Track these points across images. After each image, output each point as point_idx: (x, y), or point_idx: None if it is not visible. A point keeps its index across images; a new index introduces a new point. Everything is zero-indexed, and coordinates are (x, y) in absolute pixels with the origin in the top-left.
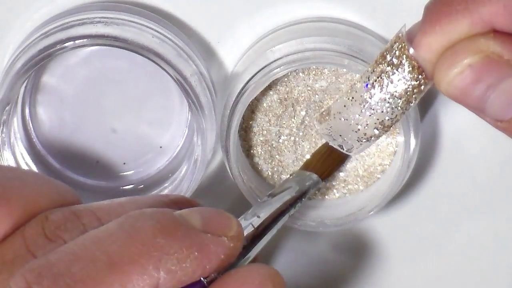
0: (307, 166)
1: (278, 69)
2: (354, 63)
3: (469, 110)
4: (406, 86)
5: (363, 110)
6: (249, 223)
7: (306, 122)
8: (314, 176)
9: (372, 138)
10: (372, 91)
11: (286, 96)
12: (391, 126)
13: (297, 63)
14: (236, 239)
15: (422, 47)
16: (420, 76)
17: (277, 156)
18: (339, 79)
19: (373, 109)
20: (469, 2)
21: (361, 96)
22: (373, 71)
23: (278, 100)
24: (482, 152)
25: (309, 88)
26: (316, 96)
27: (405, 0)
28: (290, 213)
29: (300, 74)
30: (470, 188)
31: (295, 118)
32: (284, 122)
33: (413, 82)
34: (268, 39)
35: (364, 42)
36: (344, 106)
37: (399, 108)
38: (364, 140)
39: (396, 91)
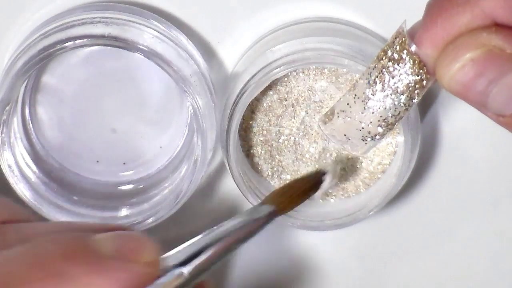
0: (265, 200)
1: (278, 69)
2: (354, 63)
3: (471, 105)
4: (408, 81)
5: (366, 108)
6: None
7: (306, 122)
8: (267, 208)
9: (377, 136)
10: (374, 87)
11: (286, 96)
12: (395, 124)
13: (297, 63)
14: (151, 265)
15: (424, 42)
16: (421, 71)
17: (277, 156)
18: (339, 79)
19: (376, 106)
20: None
21: (363, 93)
22: (375, 67)
23: (278, 100)
24: (482, 152)
25: (309, 88)
26: (316, 96)
27: (405, 0)
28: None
29: (300, 74)
30: (470, 188)
31: (295, 118)
32: (284, 122)
33: (415, 77)
34: (268, 39)
35: (364, 42)
36: (347, 104)
37: (401, 104)
38: (369, 139)
39: (398, 87)
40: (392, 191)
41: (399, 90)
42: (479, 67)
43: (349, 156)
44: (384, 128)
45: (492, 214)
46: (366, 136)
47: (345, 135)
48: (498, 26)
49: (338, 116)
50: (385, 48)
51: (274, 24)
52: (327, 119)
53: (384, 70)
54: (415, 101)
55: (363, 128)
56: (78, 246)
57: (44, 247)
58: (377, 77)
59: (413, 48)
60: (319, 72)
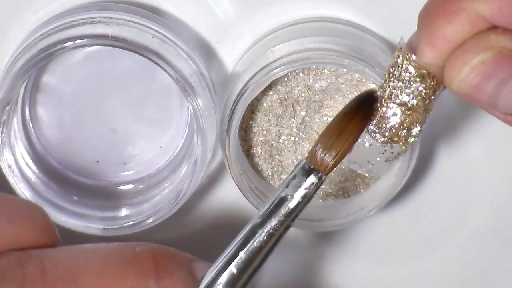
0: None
1: (278, 69)
2: (354, 63)
3: (479, 106)
4: (421, 96)
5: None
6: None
7: (306, 122)
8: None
9: (399, 154)
10: (389, 109)
11: (286, 96)
12: (417, 137)
13: (297, 63)
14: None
15: (427, 54)
16: (432, 83)
17: (277, 156)
18: (339, 79)
19: (394, 126)
20: (463, 2)
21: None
22: (385, 90)
23: (278, 100)
24: (482, 152)
25: (309, 88)
26: (316, 96)
27: (405, 0)
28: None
29: (300, 74)
30: (470, 188)
31: (295, 118)
32: (284, 122)
33: (427, 91)
34: (268, 39)
35: (364, 42)
36: (365, 131)
37: (420, 118)
38: (392, 159)
39: (413, 104)
40: (392, 191)
41: (414, 106)
42: (490, 69)
43: None
44: (406, 145)
45: (492, 214)
46: (389, 157)
47: (368, 161)
48: (504, 28)
49: (358, 145)
50: (391, 69)
51: (274, 24)
52: None
53: (395, 91)
54: (430, 112)
55: (385, 151)
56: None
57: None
58: (390, 98)
59: (419, 62)
60: (319, 72)
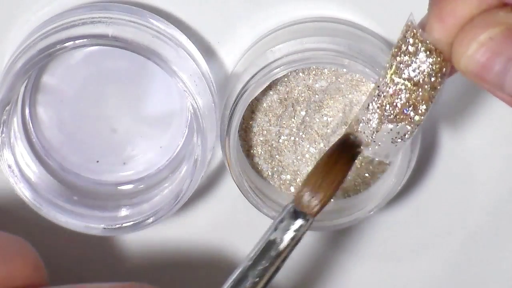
0: (298, 193)
1: (278, 69)
2: (354, 63)
3: (487, 89)
4: (428, 71)
5: (391, 107)
6: None
7: (306, 122)
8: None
9: (406, 135)
10: (395, 86)
11: (286, 96)
12: (424, 117)
13: (297, 63)
14: None
15: (436, 29)
16: (439, 59)
17: (277, 156)
18: (339, 79)
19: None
20: None
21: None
22: (392, 65)
23: (278, 100)
24: (482, 152)
25: (309, 88)
26: (316, 96)
27: (405, 0)
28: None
29: (300, 74)
30: (470, 188)
31: (295, 118)
32: (284, 122)
33: (435, 66)
34: (268, 39)
35: (364, 42)
36: (373, 109)
37: (426, 96)
38: (399, 140)
39: (419, 80)
40: (392, 191)
41: (420, 82)
42: (498, 45)
43: None
44: (412, 125)
45: (492, 214)
46: (396, 138)
47: (374, 141)
48: None
49: (365, 123)
50: (398, 44)
51: (274, 24)
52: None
53: (401, 65)
54: (438, 90)
55: (391, 130)
56: None
57: None
58: (396, 74)
59: (426, 37)
60: (319, 72)
